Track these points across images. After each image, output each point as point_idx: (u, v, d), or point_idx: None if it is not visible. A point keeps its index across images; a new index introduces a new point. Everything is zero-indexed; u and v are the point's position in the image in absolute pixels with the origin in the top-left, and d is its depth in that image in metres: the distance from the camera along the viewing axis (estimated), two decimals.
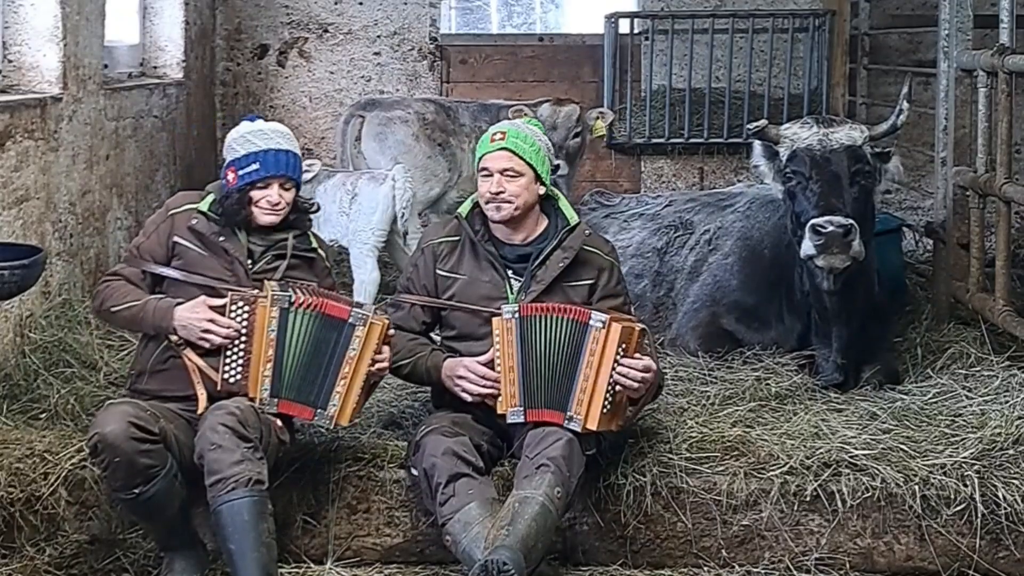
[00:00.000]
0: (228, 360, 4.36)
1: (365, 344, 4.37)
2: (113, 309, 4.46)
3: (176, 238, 4.50)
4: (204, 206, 4.53)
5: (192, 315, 4.34)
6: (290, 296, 4.36)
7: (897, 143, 5.80)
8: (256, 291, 4.40)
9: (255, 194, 4.49)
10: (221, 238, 4.48)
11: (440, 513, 4.29)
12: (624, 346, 4.37)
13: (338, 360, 4.38)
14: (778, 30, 8.99)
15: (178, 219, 4.53)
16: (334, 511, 4.62)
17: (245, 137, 4.54)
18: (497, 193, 4.60)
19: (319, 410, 4.39)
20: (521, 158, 4.59)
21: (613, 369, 4.35)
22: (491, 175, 4.61)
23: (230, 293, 4.37)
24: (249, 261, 4.51)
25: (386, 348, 4.46)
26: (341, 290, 5.09)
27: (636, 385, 4.37)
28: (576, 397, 4.38)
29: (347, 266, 6.80)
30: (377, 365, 4.42)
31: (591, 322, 4.39)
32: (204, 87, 8.58)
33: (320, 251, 4.70)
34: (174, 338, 4.37)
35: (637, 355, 4.41)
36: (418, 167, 7.37)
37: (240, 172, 4.48)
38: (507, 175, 4.59)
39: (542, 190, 4.65)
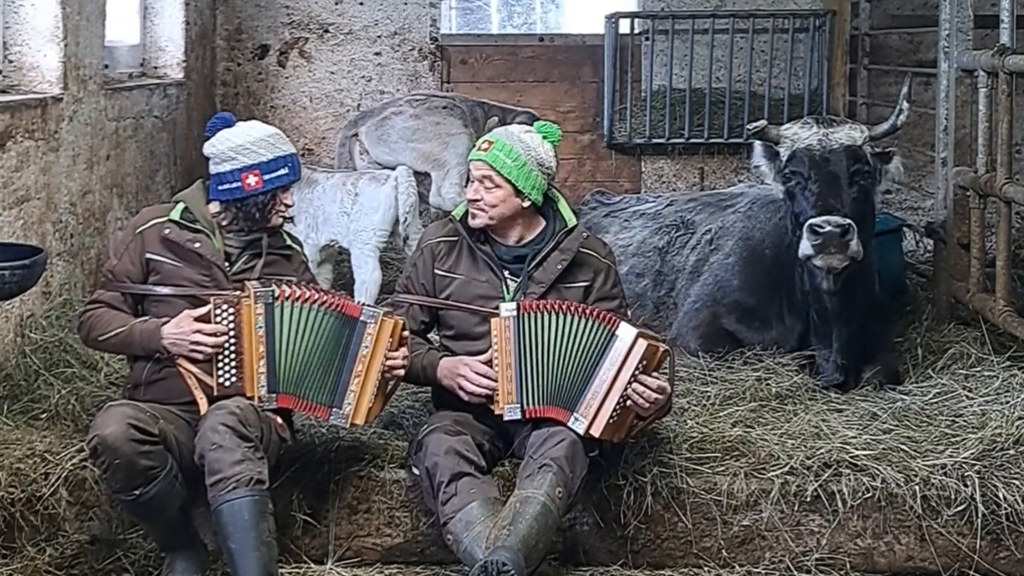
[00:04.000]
0: (221, 364, 4.36)
1: (377, 342, 4.37)
2: (100, 338, 4.46)
3: (148, 255, 4.48)
4: (175, 215, 4.52)
5: (178, 331, 4.34)
6: (272, 291, 4.37)
7: (897, 143, 5.80)
8: (239, 292, 4.40)
9: (279, 197, 4.54)
10: (196, 244, 4.46)
11: (442, 512, 4.29)
12: (645, 363, 4.37)
13: (351, 358, 4.38)
14: (778, 30, 8.99)
15: (147, 235, 4.50)
16: (334, 511, 4.62)
17: (267, 141, 4.53)
18: (474, 200, 4.63)
19: (334, 409, 4.40)
20: (498, 171, 4.59)
21: (629, 383, 4.35)
22: (472, 181, 4.65)
23: (212, 298, 4.36)
24: (227, 263, 4.51)
25: (403, 349, 4.45)
26: (341, 291, 5.09)
27: (647, 404, 4.37)
28: (587, 401, 4.37)
29: (348, 266, 6.81)
30: (391, 363, 4.41)
31: (619, 333, 4.39)
32: (205, 87, 8.58)
33: (295, 246, 4.71)
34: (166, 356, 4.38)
35: (655, 374, 4.41)
36: (436, 137, 7.38)
37: (268, 176, 4.49)
38: (485, 185, 4.61)
39: (526, 203, 4.64)
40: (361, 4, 8.99)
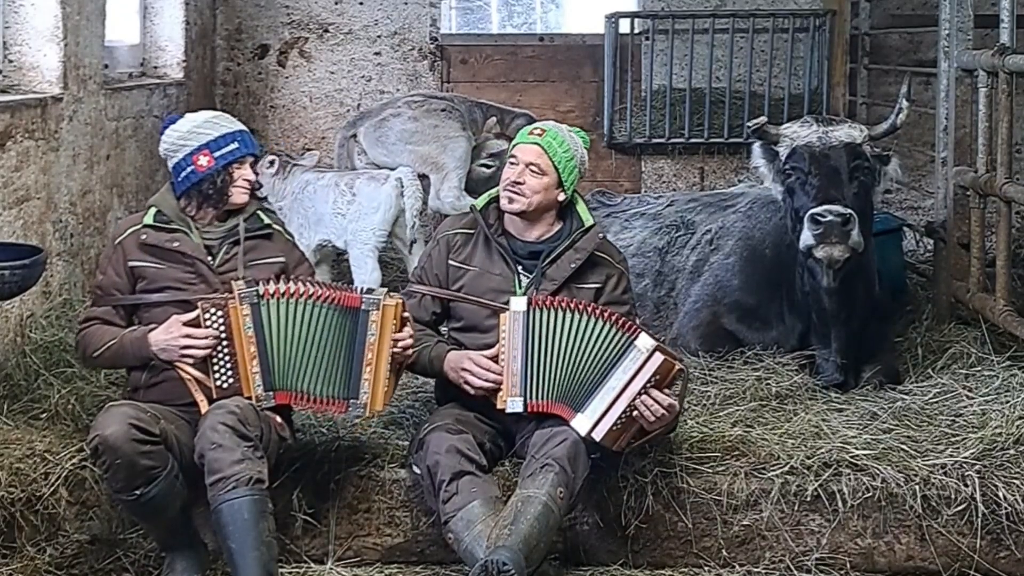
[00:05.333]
0: (216, 367, 4.35)
1: (382, 328, 4.37)
2: (94, 354, 4.46)
3: (131, 262, 4.49)
4: (149, 219, 4.52)
5: (167, 337, 4.33)
6: (257, 291, 4.36)
7: (897, 143, 5.81)
8: (226, 294, 4.40)
9: (234, 172, 4.52)
10: (175, 243, 4.47)
11: (443, 511, 4.29)
12: (658, 377, 4.36)
13: (359, 349, 4.37)
14: (778, 30, 8.98)
15: (127, 244, 4.51)
16: (334, 511, 4.62)
17: (211, 122, 4.57)
18: (516, 183, 4.62)
19: (351, 400, 4.39)
20: (550, 159, 4.62)
21: (638, 395, 4.34)
22: (517, 164, 4.64)
23: (200, 303, 4.35)
24: (210, 257, 4.51)
25: (407, 328, 4.44)
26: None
27: (653, 419, 4.35)
28: (594, 404, 4.36)
29: (347, 266, 6.80)
30: (401, 344, 4.40)
31: (638, 342, 4.38)
32: (204, 87, 8.58)
33: (276, 226, 4.68)
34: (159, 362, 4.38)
35: (666, 391, 4.40)
36: (434, 140, 7.36)
37: (218, 153, 4.50)
38: (531, 168, 4.62)
39: (562, 196, 4.67)
40: (361, 4, 8.99)
